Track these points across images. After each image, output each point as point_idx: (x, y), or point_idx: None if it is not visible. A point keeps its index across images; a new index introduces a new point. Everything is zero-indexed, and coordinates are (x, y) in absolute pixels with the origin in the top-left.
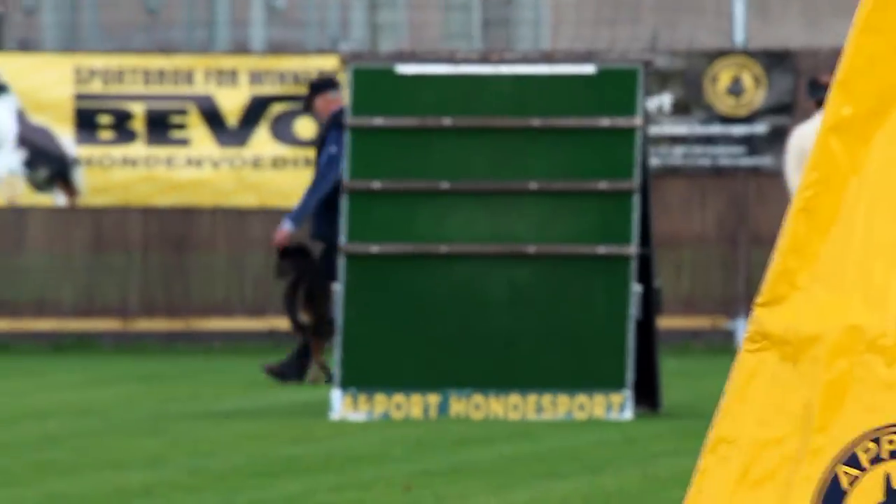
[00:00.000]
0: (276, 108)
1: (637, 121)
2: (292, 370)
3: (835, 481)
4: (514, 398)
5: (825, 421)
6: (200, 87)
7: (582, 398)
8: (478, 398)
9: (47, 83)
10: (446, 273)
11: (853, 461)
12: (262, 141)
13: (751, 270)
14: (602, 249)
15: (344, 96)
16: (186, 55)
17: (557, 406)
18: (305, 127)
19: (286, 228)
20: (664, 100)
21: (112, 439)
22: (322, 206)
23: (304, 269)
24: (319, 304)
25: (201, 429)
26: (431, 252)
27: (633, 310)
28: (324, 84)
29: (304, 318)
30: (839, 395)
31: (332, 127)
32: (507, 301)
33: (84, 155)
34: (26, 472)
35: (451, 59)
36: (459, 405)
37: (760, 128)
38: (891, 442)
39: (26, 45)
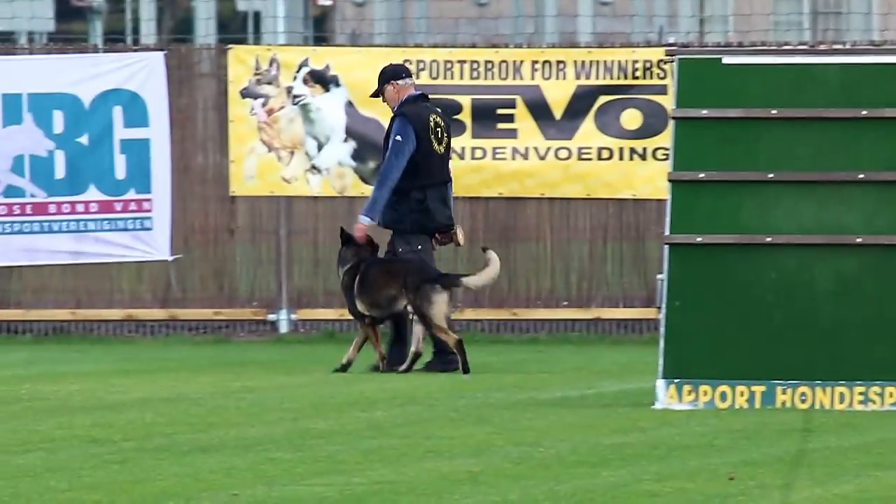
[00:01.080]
0: (602, 100)
1: None
2: (394, 358)
3: None
4: (841, 389)
5: None
6: (528, 79)
7: None
8: (803, 389)
9: (376, 76)
10: (772, 263)
11: None
12: (588, 132)
13: None
14: None
15: (409, 84)
16: (514, 48)
17: (885, 397)
18: (631, 118)
19: (363, 223)
20: None
21: (438, 428)
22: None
23: (362, 258)
24: (373, 294)
25: (526, 418)
26: (756, 242)
27: None
28: (394, 72)
29: (361, 306)
30: None
31: (397, 115)
32: (834, 291)
33: None
34: (354, 460)
35: (778, 50)
36: (785, 396)
37: None
38: None
39: (356, 39)
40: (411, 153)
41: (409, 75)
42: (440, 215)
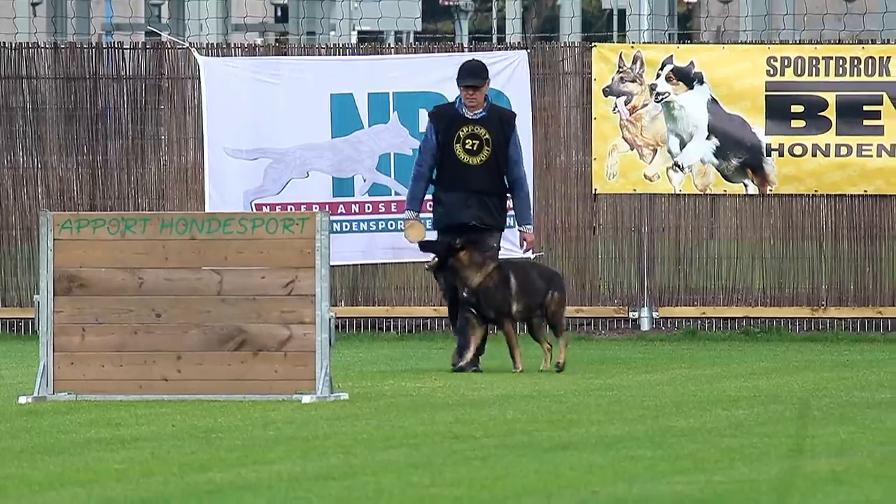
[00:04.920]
0: None
1: None
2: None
3: None
4: None
5: None
6: (895, 75)
7: None
8: None
9: (740, 73)
10: None
11: None
12: None
13: None
14: None
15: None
16: (881, 45)
17: None
18: None
19: (531, 230)
20: None
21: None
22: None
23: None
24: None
25: (891, 417)
26: None
27: None
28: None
29: None
30: None
31: (513, 123)
32: None
33: (775, 144)
34: (715, 458)
35: None
36: None
37: None
38: None
39: (720, 36)
40: None
41: None
42: None
